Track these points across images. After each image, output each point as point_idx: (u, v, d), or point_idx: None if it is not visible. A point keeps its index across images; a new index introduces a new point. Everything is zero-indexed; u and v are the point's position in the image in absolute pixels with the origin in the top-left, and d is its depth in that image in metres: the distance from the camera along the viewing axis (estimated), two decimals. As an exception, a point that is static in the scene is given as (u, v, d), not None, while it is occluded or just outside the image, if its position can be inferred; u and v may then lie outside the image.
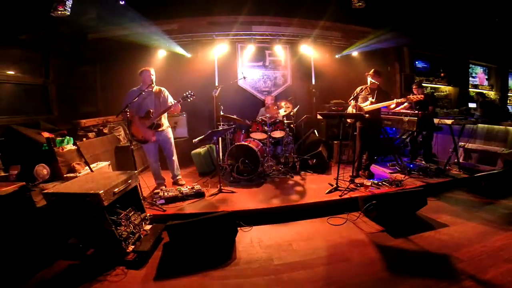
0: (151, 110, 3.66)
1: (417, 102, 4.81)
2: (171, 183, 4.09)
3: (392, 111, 4.45)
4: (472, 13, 5.82)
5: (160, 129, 3.74)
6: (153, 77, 3.66)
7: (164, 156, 4.01)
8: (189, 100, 3.63)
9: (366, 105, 4.12)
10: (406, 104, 5.07)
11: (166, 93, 3.85)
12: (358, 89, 4.34)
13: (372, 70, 4.19)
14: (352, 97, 4.28)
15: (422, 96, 4.05)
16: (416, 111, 4.19)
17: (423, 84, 7.72)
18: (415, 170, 4.24)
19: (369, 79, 4.15)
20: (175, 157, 4.00)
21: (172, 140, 3.94)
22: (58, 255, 2.42)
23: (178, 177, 4.07)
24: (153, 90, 3.73)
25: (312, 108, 6.32)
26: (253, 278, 2.14)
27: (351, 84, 4.74)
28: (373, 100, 4.00)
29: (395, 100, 4.00)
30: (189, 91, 3.62)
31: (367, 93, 4.18)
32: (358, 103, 4.16)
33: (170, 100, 3.84)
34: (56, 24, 4.40)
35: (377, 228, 2.87)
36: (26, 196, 2.59)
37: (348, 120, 4.36)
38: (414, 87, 5.08)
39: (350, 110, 4.26)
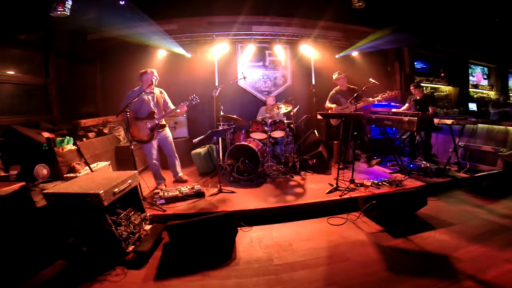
0: (155, 111, 3.68)
1: (417, 102, 4.85)
2: (172, 182, 4.11)
3: (392, 111, 4.48)
4: (472, 13, 5.82)
5: (161, 130, 3.77)
6: (155, 79, 3.66)
7: (164, 156, 4.03)
8: (193, 103, 3.74)
9: (346, 107, 4.43)
10: (407, 104, 5.13)
11: (165, 95, 3.90)
12: (333, 92, 4.70)
13: (338, 73, 4.61)
14: (329, 101, 4.72)
15: (397, 91, 4.29)
16: (416, 111, 4.20)
17: (423, 84, 7.78)
18: (415, 170, 4.24)
19: (340, 83, 4.61)
20: (176, 155, 4.07)
21: (172, 139, 3.99)
22: (58, 255, 2.42)
23: (180, 174, 4.14)
24: (154, 92, 3.74)
25: (312, 108, 6.32)
26: (253, 278, 2.14)
27: (351, 84, 4.76)
28: (353, 101, 4.15)
29: (367, 99, 4.28)
30: (194, 95, 3.72)
31: (342, 95, 4.51)
32: (338, 106, 4.55)
33: (170, 102, 3.88)
34: (56, 24, 4.40)
35: (377, 228, 2.87)
36: (26, 196, 2.59)
37: (333, 123, 4.66)
38: (412, 87, 5.10)
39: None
